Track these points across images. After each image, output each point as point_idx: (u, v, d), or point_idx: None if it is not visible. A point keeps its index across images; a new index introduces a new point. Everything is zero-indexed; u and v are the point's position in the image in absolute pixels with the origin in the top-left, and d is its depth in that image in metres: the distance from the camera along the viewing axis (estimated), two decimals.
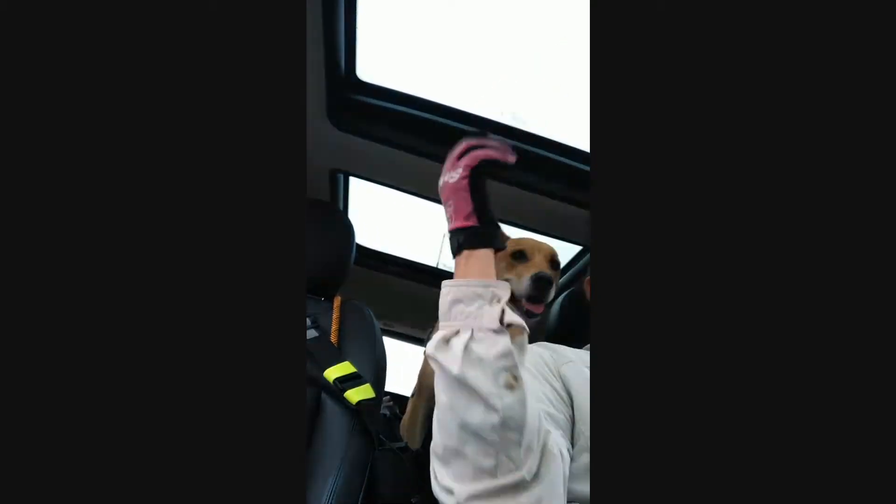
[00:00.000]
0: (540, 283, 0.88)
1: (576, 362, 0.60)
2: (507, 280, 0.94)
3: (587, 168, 1.03)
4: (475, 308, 0.42)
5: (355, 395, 0.71)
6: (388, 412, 1.49)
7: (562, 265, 1.38)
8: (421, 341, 1.88)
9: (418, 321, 1.83)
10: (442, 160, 0.49)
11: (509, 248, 0.99)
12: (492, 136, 0.48)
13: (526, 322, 0.43)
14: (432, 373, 0.43)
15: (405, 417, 1.11)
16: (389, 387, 0.95)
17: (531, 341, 0.83)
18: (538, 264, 0.94)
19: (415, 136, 1.00)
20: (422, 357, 1.14)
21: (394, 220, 1.53)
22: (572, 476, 0.46)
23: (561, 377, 0.57)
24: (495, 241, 0.47)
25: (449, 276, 0.45)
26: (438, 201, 0.49)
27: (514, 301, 0.94)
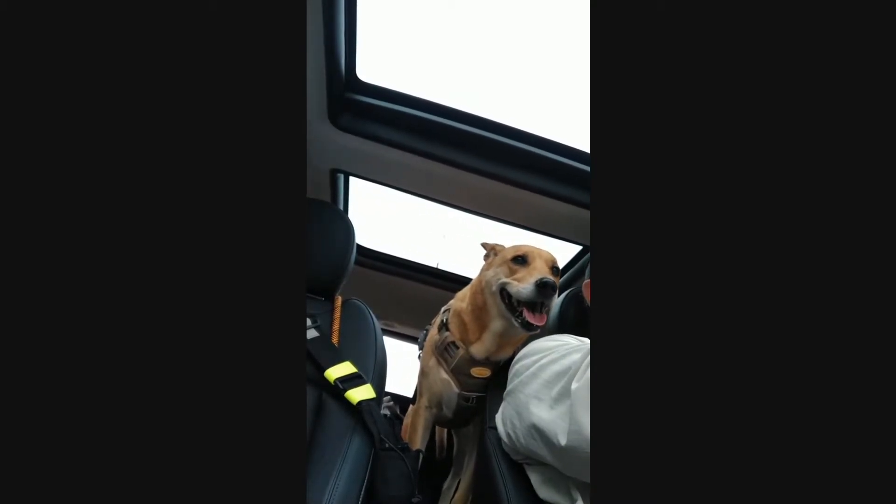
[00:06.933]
0: (545, 289, 0.86)
1: None
2: (508, 284, 0.92)
3: (587, 168, 1.03)
4: None
5: (356, 394, 0.71)
6: (388, 412, 1.48)
7: (562, 265, 1.36)
8: None
9: (418, 321, 1.83)
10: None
11: (509, 252, 0.97)
12: None
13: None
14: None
15: (406, 420, 1.10)
16: (390, 387, 0.94)
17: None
18: (540, 269, 0.91)
19: (414, 136, 1.00)
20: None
21: (394, 220, 1.53)
22: None
23: None
24: None
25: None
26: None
27: (512, 309, 0.93)
